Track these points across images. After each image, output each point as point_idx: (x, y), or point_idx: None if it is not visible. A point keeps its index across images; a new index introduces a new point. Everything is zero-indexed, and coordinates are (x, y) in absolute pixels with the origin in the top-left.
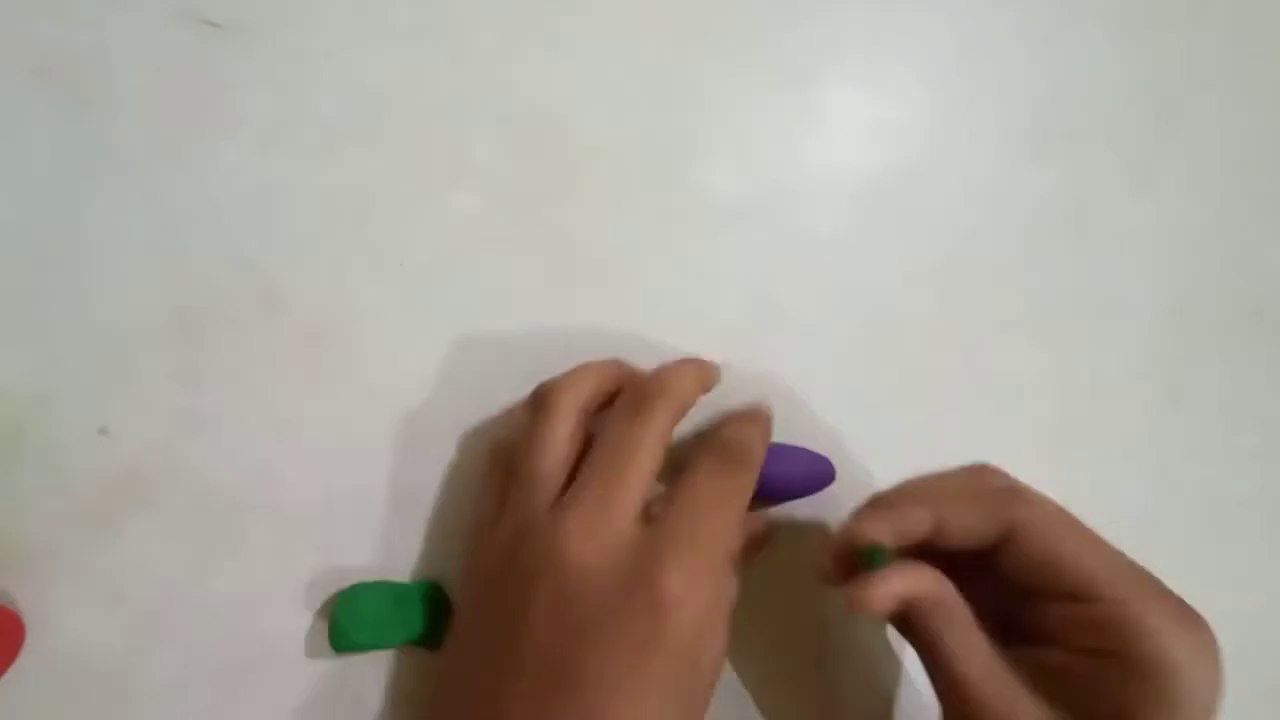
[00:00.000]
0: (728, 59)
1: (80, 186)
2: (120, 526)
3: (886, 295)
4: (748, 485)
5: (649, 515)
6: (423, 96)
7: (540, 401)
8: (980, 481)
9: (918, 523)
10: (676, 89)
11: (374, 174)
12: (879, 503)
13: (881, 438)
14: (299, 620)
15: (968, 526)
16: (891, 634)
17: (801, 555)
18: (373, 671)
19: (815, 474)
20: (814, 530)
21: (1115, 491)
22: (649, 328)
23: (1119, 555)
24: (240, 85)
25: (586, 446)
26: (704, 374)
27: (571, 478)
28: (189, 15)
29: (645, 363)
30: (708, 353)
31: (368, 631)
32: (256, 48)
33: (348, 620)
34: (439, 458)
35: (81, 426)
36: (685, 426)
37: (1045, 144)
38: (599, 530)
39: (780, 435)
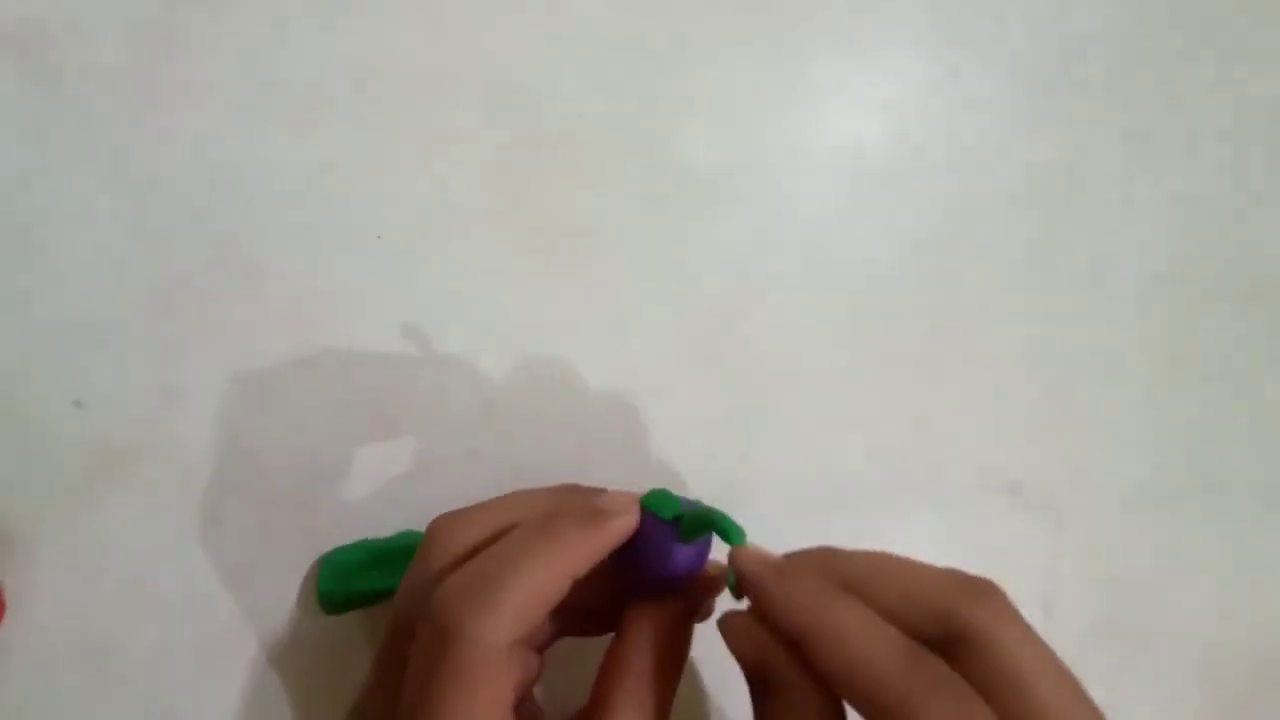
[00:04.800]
0: (712, 28)
1: (50, 158)
2: (99, 500)
3: (876, 268)
4: None
5: None
6: (400, 68)
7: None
8: (947, 574)
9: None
10: (660, 59)
11: (351, 146)
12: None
13: (872, 415)
14: (280, 593)
15: (896, 607)
16: None
17: None
18: (357, 641)
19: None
20: None
21: (1111, 467)
22: (632, 303)
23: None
24: (213, 56)
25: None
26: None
27: None
28: None
29: (627, 340)
30: (692, 329)
31: (352, 586)
32: (229, 17)
33: (330, 580)
34: (417, 429)
35: (57, 400)
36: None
37: (1040, 112)
38: None
39: (770, 414)
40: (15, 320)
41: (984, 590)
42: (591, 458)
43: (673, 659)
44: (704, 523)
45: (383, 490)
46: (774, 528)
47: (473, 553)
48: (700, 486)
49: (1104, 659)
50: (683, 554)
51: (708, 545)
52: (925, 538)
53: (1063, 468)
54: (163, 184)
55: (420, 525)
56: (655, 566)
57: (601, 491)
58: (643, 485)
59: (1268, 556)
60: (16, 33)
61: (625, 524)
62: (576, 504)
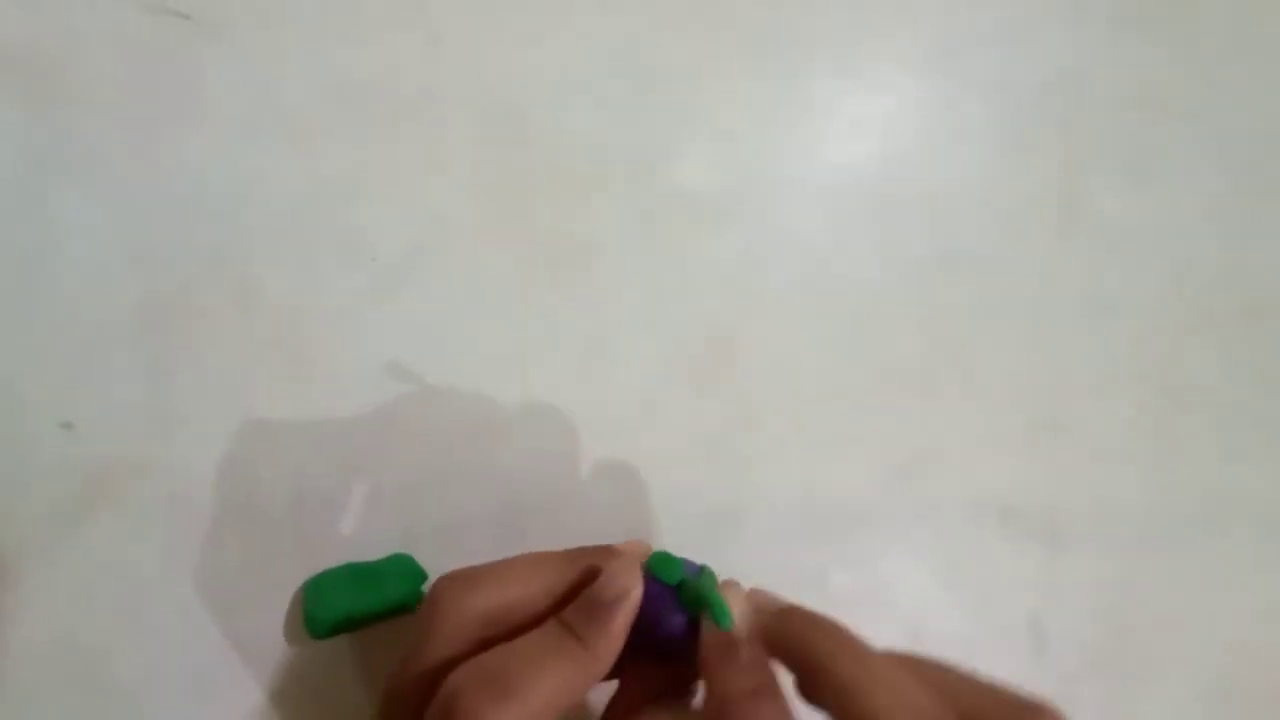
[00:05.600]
0: (707, 49)
1: (47, 178)
2: (88, 522)
3: (871, 291)
4: None
5: None
6: (396, 88)
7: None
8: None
9: None
10: (657, 81)
11: (346, 166)
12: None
13: (866, 438)
14: (270, 617)
15: None
16: None
17: None
18: (346, 666)
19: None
20: None
21: (1108, 492)
22: (627, 324)
23: None
24: (210, 77)
25: None
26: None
27: None
28: (157, 6)
29: (622, 362)
30: (687, 351)
31: (339, 610)
32: (226, 39)
33: (316, 604)
34: (410, 452)
35: (47, 421)
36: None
37: (1035, 136)
38: None
39: (763, 437)
40: (5, 340)
41: None
42: (585, 481)
43: None
44: (700, 599)
45: (375, 514)
46: (767, 550)
47: (481, 621)
48: (693, 509)
49: (1100, 691)
50: (676, 620)
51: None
52: (918, 562)
53: (1058, 492)
54: (156, 205)
55: (412, 549)
56: (650, 628)
57: (611, 554)
58: (635, 506)
59: (1271, 584)
60: (17, 54)
61: (635, 600)
62: (589, 582)
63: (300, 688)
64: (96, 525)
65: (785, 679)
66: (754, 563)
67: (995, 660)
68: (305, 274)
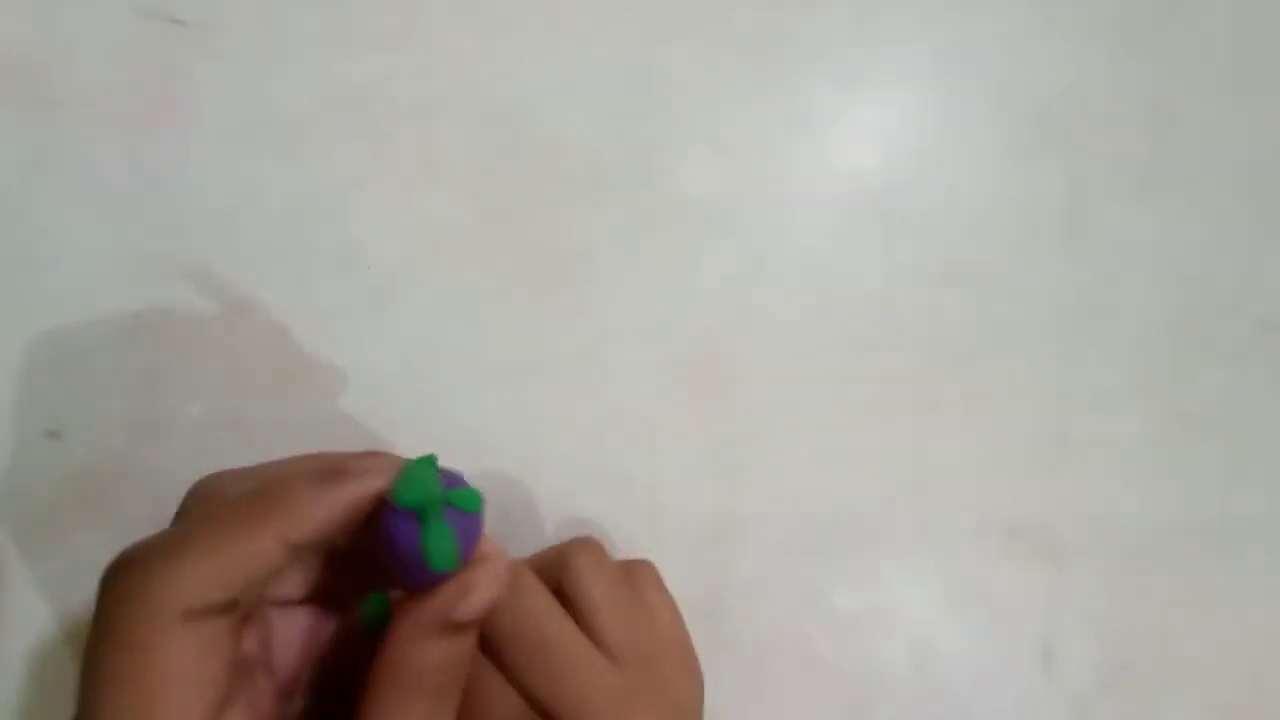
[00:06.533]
0: (707, 58)
1: (39, 184)
2: (71, 532)
3: (873, 304)
4: None
5: None
6: (392, 96)
7: None
8: (555, 549)
9: None
10: (657, 89)
11: (342, 174)
12: None
13: (868, 453)
14: None
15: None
16: None
17: None
18: None
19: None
20: None
21: (1114, 511)
22: (624, 335)
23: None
24: (206, 83)
25: None
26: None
27: None
28: (155, 12)
29: (619, 373)
30: (686, 363)
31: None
32: (223, 45)
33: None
34: None
35: (32, 429)
36: None
37: (1039, 147)
38: None
39: (763, 451)
40: None
41: (568, 560)
42: (581, 494)
43: (434, 679)
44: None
45: None
46: (768, 569)
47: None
48: (691, 525)
49: (1110, 712)
50: (404, 533)
51: (463, 530)
52: (922, 581)
53: (1064, 511)
54: (148, 211)
55: None
56: (385, 553)
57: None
58: (633, 520)
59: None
60: (10, 58)
61: (366, 487)
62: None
63: None
64: (78, 533)
65: None
66: (754, 581)
67: (1004, 681)
68: (298, 282)
